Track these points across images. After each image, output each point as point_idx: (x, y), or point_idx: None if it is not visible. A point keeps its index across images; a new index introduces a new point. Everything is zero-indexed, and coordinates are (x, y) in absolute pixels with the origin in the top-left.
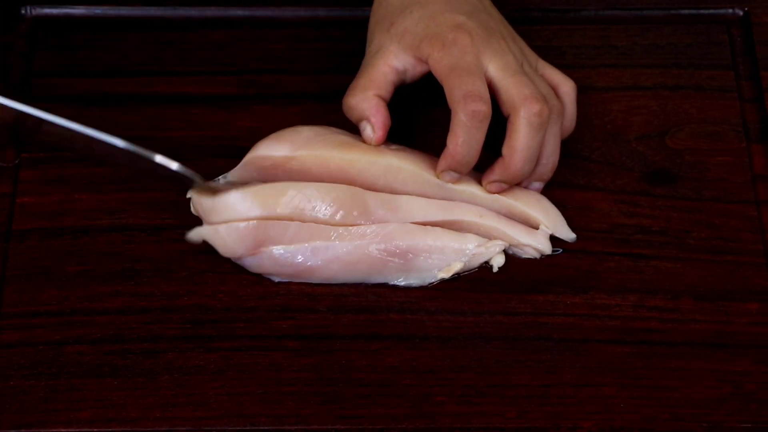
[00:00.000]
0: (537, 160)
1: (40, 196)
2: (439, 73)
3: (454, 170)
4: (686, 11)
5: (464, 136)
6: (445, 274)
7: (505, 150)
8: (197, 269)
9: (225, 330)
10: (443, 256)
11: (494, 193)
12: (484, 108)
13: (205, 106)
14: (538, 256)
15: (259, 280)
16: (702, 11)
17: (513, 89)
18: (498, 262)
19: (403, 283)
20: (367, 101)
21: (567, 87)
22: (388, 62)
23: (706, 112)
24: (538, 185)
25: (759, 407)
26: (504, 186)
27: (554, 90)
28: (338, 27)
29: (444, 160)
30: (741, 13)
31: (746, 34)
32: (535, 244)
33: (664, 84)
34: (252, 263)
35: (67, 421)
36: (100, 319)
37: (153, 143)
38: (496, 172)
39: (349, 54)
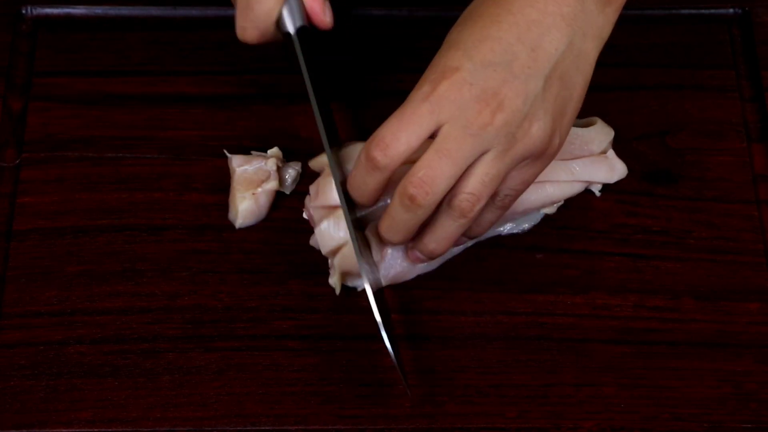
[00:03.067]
0: (421, 237)
1: (40, 196)
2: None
3: (352, 196)
4: (687, 11)
5: (356, 173)
6: (550, 210)
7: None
8: (198, 269)
9: (225, 330)
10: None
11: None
12: (383, 161)
13: (205, 106)
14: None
15: (260, 279)
16: (702, 11)
17: (419, 161)
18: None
19: (515, 230)
20: None
21: (494, 200)
22: None
23: (707, 111)
24: (419, 254)
25: (759, 407)
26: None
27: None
28: None
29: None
30: (741, 12)
31: (747, 33)
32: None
33: (664, 83)
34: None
35: (67, 421)
36: (101, 319)
37: (153, 143)
38: (374, 225)
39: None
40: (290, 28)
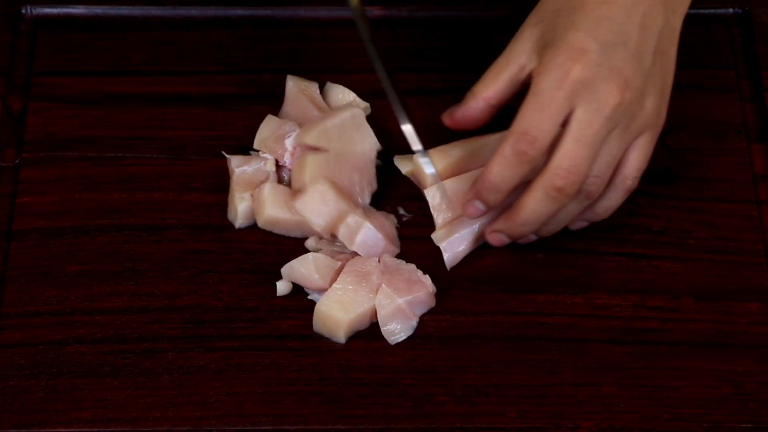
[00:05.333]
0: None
1: (40, 196)
2: (530, 87)
3: (481, 198)
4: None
5: (499, 168)
6: None
7: (517, 201)
8: (197, 269)
9: (225, 330)
10: None
11: (494, 243)
12: (532, 153)
13: (205, 106)
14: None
15: (260, 279)
16: (702, 11)
17: (561, 151)
18: None
19: None
20: None
21: (624, 183)
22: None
23: (707, 111)
24: (533, 237)
25: (759, 407)
26: (505, 240)
27: (616, 170)
28: (339, 27)
29: (478, 180)
30: (741, 12)
31: (747, 33)
32: None
33: None
34: None
35: (67, 421)
36: (101, 319)
37: (153, 143)
38: (500, 222)
39: (349, 54)
40: None
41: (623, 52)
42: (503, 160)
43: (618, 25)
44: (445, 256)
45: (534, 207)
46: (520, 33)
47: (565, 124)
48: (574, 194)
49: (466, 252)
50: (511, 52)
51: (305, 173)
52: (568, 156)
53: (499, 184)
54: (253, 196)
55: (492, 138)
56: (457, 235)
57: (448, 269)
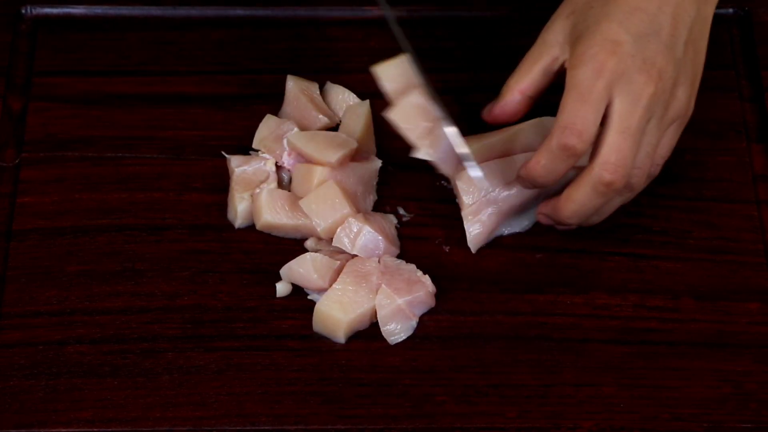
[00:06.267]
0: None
1: (40, 196)
2: (567, 80)
3: (528, 184)
4: None
5: (545, 161)
6: None
7: (564, 193)
8: (197, 269)
9: (225, 330)
10: None
11: (541, 221)
12: (579, 146)
13: (205, 106)
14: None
15: (260, 279)
16: None
17: (606, 145)
18: None
19: (516, 229)
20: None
21: (654, 168)
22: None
23: (707, 111)
24: (574, 225)
25: (759, 407)
26: (551, 222)
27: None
28: (339, 27)
29: (523, 169)
30: (741, 12)
31: (747, 33)
32: None
33: None
34: None
35: (67, 421)
36: (100, 319)
37: (153, 143)
38: (548, 207)
39: (349, 54)
40: None
41: (656, 43)
42: (549, 155)
43: (650, 16)
44: (469, 234)
45: (582, 201)
46: (551, 24)
47: (603, 118)
48: (623, 188)
49: (490, 229)
50: (544, 44)
51: (313, 183)
52: (615, 149)
53: (548, 174)
54: (252, 197)
55: (524, 125)
56: (483, 213)
57: (473, 251)
